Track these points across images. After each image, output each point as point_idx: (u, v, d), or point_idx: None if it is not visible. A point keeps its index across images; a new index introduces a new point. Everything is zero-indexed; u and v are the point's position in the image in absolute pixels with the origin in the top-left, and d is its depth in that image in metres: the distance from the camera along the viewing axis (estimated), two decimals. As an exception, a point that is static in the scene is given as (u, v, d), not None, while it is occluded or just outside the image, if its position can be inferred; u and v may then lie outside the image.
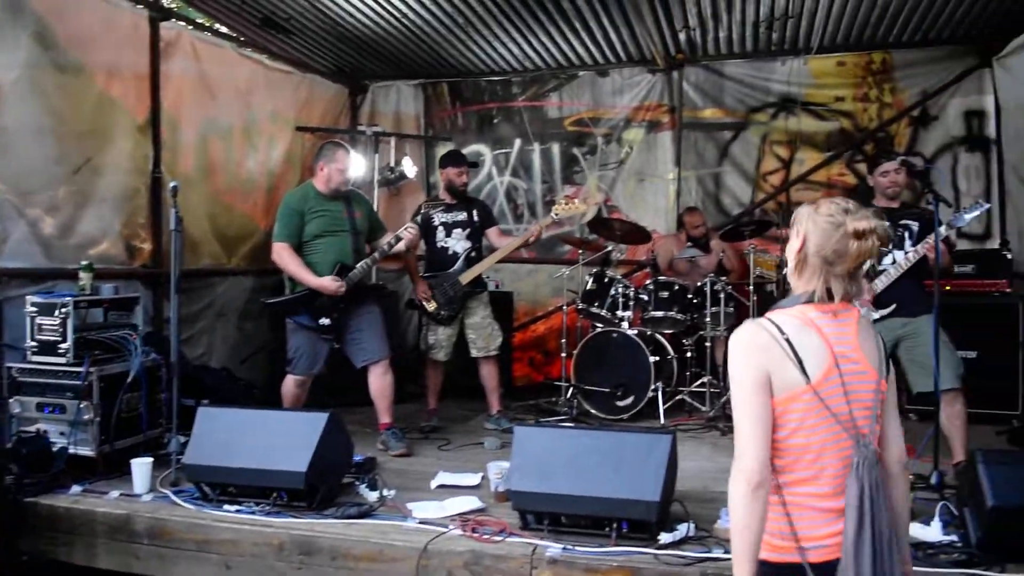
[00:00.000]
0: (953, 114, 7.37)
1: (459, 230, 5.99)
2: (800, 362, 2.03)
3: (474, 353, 6.01)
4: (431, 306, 5.88)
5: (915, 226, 4.66)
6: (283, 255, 5.11)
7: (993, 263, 6.46)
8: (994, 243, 7.03)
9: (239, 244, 6.85)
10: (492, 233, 6.15)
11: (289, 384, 5.23)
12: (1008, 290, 6.32)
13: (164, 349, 4.91)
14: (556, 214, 5.93)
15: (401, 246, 5.34)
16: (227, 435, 4.10)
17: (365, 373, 5.27)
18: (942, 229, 4.36)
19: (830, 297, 2.12)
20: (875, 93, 7.55)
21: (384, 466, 4.84)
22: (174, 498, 4.12)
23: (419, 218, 5.63)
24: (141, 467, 4.22)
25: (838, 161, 7.66)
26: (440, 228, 5.98)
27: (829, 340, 2.07)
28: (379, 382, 5.26)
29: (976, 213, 4.50)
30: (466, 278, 5.88)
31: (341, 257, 5.15)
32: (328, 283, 5.03)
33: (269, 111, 7.15)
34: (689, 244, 6.99)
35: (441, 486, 4.44)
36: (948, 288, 5.97)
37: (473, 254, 6.00)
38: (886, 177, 4.70)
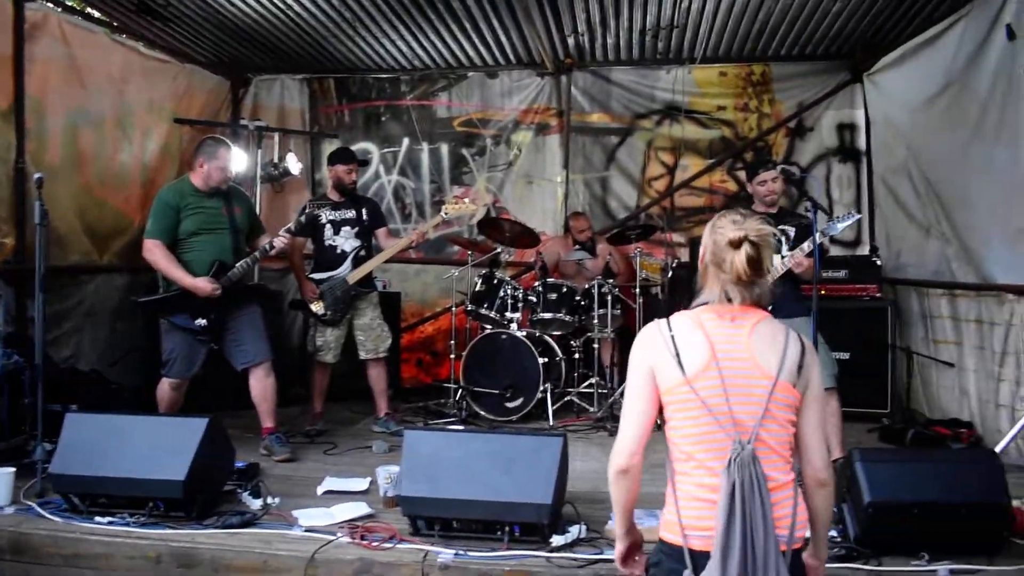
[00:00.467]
0: (827, 126, 7.76)
1: (347, 228, 5.85)
2: (678, 356, 2.17)
3: (363, 355, 5.88)
4: (318, 307, 5.72)
5: (792, 231, 4.84)
6: (155, 252, 4.85)
7: (864, 268, 6.79)
8: (864, 249, 7.42)
9: (112, 240, 6.47)
10: (380, 234, 6.04)
11: (164, 387, 4.98)
12: (878, 294, 6.67)
13: (28, 351, 4.61)
14: (446, 213, 5.88)
15: (274, 252, 5.17)
16: (98, 442, 3.86)
17: (246, 376, 5.07)
18: (817, 236, 4.53)
19: (730, 301, 2.24)
20: (755, 104, 7.84)
21: (268, 472, 4.68)
22: (39, 510, 3.83)
23: (303, 218, 5.45)
24: (2, 478, 3.92)
25: (719, 168, 7.92)
26: (328, 226, 5.82)
27: (711, 339, 2.18)
28: (261, 385, 5.07)
29: (848, 223, 4.67)
30: (354, 278, 5.76)
31: (219, 255, 4.95)
32: (203, 284, 4.81)
33: (145, 101, 6.81)
34: (576, 247, 7.06)
35: (328, 492, 4.30)
36: (823, 292, 6.22)
37: (362, 253, 5.87)
38: (764, 186, 4.86)
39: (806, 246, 4.55)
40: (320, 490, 4.32)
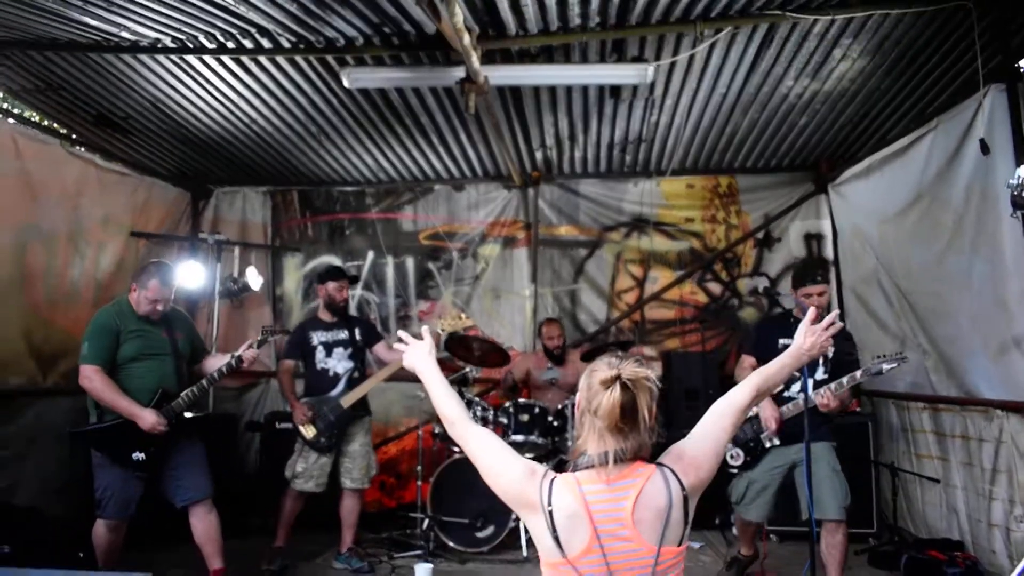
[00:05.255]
0: (795, 236, 7.74)
1: (340, 349, 5.62)
2: (556, 538, 2.00)
3: (347, 484, 5.55)
4: (310, 432, 5.40)
5: (829, 352, 4.62)
6: (95, 380, 4.46)
7: (844, 384, 6.61)
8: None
9: (58, 361, 6.07)
10: (379, 348, 5.81)
11: (100, 530, 4.50)
12: (858, 409, 6.48)
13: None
14: (442, 329, 5.65)
15: (245, 366, 4.84)
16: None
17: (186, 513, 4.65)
18: (858, 374, 4.39)
19: (606, 456, 2.08)
20: (722, 215, 7.83)
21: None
22: None
23: (260, 339, 5.06)
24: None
25: (689, 280, 7.82)
26: (320, 348, 5.58)
27: (593, 516, 2.00)
28: (204, 524, 4.63)
29: (893, 365, 4.37)
30: (348, 401, 5.49)
31: (163, 382, 4.61)
32: (150, 416, 4.43)
33: (100, 215, 6.55)
34: (549, 366, 6.78)
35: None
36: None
37: (356, 375, 5.63)
38: (809, 299, 4.70)
39: (845, 382, 4.41)
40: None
